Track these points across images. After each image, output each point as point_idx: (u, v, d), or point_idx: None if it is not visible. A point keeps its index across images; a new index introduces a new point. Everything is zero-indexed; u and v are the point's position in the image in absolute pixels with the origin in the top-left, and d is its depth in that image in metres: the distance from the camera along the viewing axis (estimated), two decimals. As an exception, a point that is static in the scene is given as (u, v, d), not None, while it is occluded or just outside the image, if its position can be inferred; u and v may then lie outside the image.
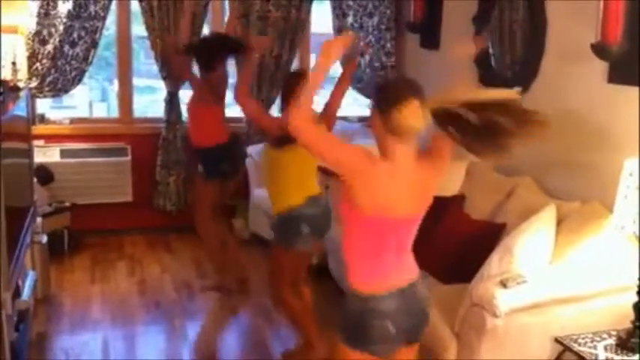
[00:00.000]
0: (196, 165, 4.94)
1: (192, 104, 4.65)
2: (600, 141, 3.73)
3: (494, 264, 3.32)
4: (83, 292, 4.69)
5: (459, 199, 4.30)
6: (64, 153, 5.51)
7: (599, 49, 3.55)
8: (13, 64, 5.08)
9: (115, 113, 6.08)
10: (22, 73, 5.17)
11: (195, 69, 4.63)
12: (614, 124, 3.64)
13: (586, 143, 3.84)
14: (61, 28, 5.24)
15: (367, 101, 6.30)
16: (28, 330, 3.74)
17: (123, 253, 5.45)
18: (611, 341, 3.02)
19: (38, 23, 5.19)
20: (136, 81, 6.06)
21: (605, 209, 3.42)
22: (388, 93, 2.36)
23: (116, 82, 5.95)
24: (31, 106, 5.37)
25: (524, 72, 4.37)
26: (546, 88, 4.19)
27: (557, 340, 3.06)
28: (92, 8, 5.29)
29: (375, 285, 2.40)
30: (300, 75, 3.59)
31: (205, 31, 5.71)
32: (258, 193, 5.19)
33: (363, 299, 2.39)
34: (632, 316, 3.00)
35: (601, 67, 3.67)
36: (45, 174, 5.19)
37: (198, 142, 4.64)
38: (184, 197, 5.77)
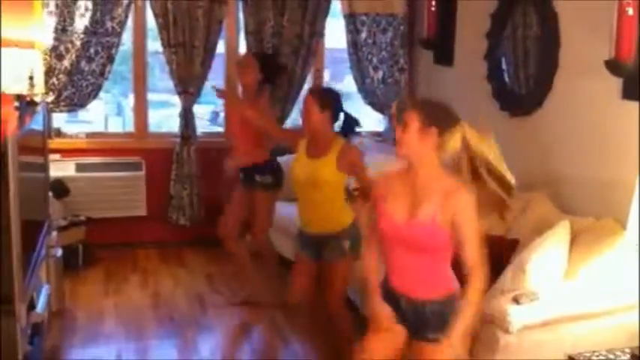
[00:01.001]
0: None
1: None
2: (614, 157, 3.73)
3: (507, 280, 3.32)
4: (97, 306, 4.72)
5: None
6: (79, 167, 5.55)
7: (613, 66, 3.56)
8: (30, 78, 5.13)
9: (130, 127, 6.13)
10: (39, 88, 5.23)
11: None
12: (628, 140, 3.63)
13: (600, 159, 3.84)
14: (78, 43, 5.30)
15: (379, 116, 6.32)
16: (42, 343, 3.76)
17: (136, 266, 5.48)
18: (625, 359, 3.00)
19: (55, 39, 5.25)
20: (151, 96, 6.11)
21: (619, 226, 3.41)
22: (443, 112, 2.63)
23: (131, 97, 6.01)
24: (48, 121, 5.43)
25: (538, 88, 4.38)
26: (560, 104, 4.20)
27: (570, 358, 3.03)
28: (109, 24, 5.35)
29: None
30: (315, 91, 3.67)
31: (220, 46, 5.75)
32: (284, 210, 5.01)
33: None
34: (646, 333, 2.98)
35: (615, 83, 3.67)
36: (60, 188, 5.22)
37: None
38: (198, 211, 5.79)
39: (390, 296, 2.75)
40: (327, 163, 3.57)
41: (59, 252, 4.49)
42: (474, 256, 2.57)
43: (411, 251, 2.64)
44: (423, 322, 2.67)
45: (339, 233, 3.62)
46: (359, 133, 4.48)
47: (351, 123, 3.81)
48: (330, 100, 3.67)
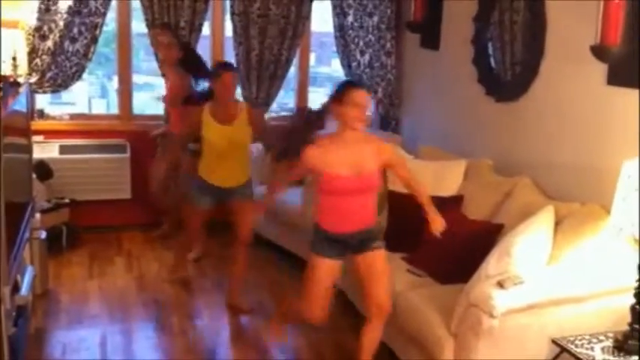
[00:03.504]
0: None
1: None
2: (599, 142, 3.75)
3: (491, 264, 3.33)
4: (81, 288, 4.70)
5: (457, 200, 4.32)
6: (63, 149, 5.51)
7: (599, 51, 3.56)
8: (14, 59, 5.08)
9: (114, 110, 6.08)
10: (22, 69, 5.17)
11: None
12: (613, 125, 3.65)
13: (585, 145, 3.86)
14: (62, 23, 5.23)
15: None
16: (27, 325, 3.75)
17: (121, 249, 5.46)
18: (609, 343, 3.03)
19: (38, 19, 5.18)
20: (136, 78, 6.06)
21: (603, 211, 3.43)
22: None
23: (116, 79, 5.95)
24: (31, 102, 5.38)
25: (524, 73, 4.38)
26: (546, 90, 4.21)
27: (554, 342, 3.07)
28: (92, 4, 5.28)
29: None
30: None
31: (206, 28, 5.71)
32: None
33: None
34: (629, 318, 3.01)
35: (600, 68, 3.68)
36: (44, 170, 5.19)
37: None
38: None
39: (334, 239, 3.40)
40: (240, 126, 4.27)
41: (43, 234, 4.48)
42: (417, 183, 3.53)
43: (358, 196, 3.36)
44: (366, 240, 3.42)
45: (246, 183, 4.42)
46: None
47: None
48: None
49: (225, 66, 4.46)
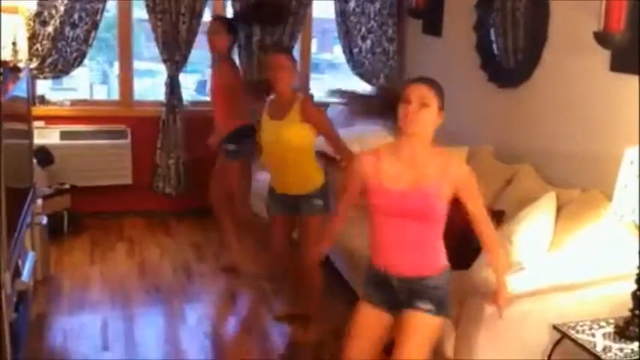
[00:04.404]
0: None
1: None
2: (601, 129, 3.73)
3: (493, 251, 3.32)
4: (83, 274, 4.71)
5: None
6: (64, 135, 5.50)
7: (602, 38, 3.54)
8: (14, 44, 5.06)
9: (115, 96, 6.06)
10: (23, 54, 5.15)
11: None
12: (615, 112, 3.64)
13: (587, 131, 3.84)
14: (62, 9, 5.21)
15: (368, 87, 6.29)
16: (28, 311, 3.76)
17: (122, 235, 5.46)
18: (610, 329, 3.03)
19: (39, 4, 5.16)
20: (137, 64, 6.04)
21: (605, 198, 3.42)
22: (443, 94, 2.70)
23: (117, 65, 5.93)
24: (31, 87, 5.36)
25: (527, 60, 4.36)
26: (548, 77, 4.19)
27: (555, 328, 3.06)
28: (93, -11, 5.26)
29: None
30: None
31: (207, 14, 5.68)
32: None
33: None
34: (630, 304, 3.01)
35: (603, 55, 3.66)
36: (45, 156, 5.18)
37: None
38: (184, 180, 5.77)
39: (380, 279, 2.75)
40: (291, 122, 3.68)
41: (44, 220, 4.46)
42: (492, 234, 2.82)
43: (408, 222, 2.65)
44: (416, 294, 2.70)
45: (313, 193, 3.78)
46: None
47: None
48: (295, 61, 3.80)
49: (274, 47, 4.08)
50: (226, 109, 4.66)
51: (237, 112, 4.67)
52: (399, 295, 2.72)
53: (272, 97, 3.86)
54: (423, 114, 2.61)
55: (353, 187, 2.79)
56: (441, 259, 2.76)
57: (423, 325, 2.69)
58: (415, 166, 2.66)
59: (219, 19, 5.15)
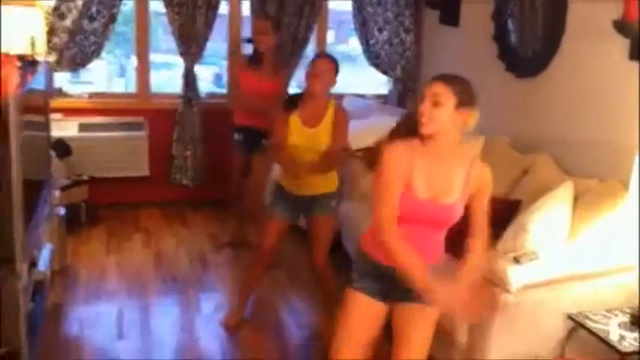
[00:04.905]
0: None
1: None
2: (620, 119, 3.69)
3: (508, 240, 3.32)
4: (99, 264, 4.74)
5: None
6: (82, 127, 5.53)
7: (621, 26, 3.51)
8: (32, 38, 5.09)
9: (132, 88, 6.09)
10: (41, 48, 5.18)
11: None
12: (634, 101, 3.59)
13: (605, 121, 3.80)
14: (80, 2, 5.23)
15: (384, 78, 6.26)
16: (45, 300, 3.79)
17: (139, 226, 5.49)
18: (624, 319, 3.00)
19: (57, -2, 5.20)
20: (155, 57, 6.06)
21: (622, 187, 3.39)
22: (471, 90, 2.50)
23: (134, 58, 5.96)
24: (50, 80, 5.40)
25: (544, 49, 4.32)
26: (567, 66, 4.15)
27: (569, 317, 3.04)
28: (110, -18, 5.29)
29: None
30: None
31: (223, 6, 5.68)
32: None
33: None
34: (646, 293, 2.98)
35: (622, 44, 3.62)
36: (63, 148, 5.22)
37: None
38: (200, 172, 5.79)
39: (381, 272, 2.64)
40: (325, 129, 3.61)
41: (62, 211, 4.51)
42: (484, 227, 2.59)
43: (424, 227, 2.55)
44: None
45: (328, 194, 3.76)
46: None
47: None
48: (338, 67, 3.65)
49: (319, 54, 3.92)
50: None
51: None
52: (399, 286, 2.58)
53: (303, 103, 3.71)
54: (436, 113, 2.44)
55: (400, 180, 2.49)
56: (442, 249, 2.70)
57: (427, 317, 2.64)
58: (440, 174, 2.51)
59: (265, 17, 5.16)
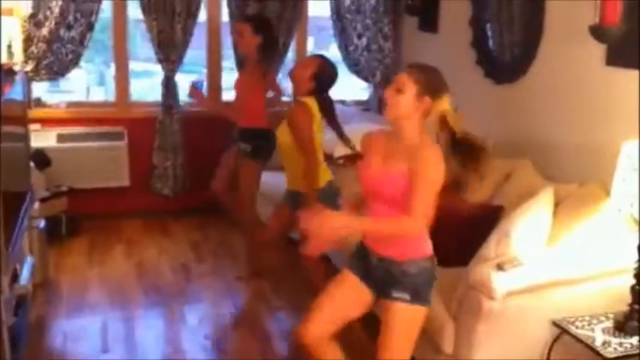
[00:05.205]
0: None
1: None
2: (598, 123, 3.73)
3: (491, 247, 3.33)
4: (81, 276, 4.70)
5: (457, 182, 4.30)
6: (60, 137, 5.48)
7: (598, 31, 3.54)
8: (9, 47, 5.04)
9: (112, 97, 6.05)
10: (18, 57, 5.13)
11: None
12: (612, 106, 3.64)
13: (584, 126, 3.84)
14: (57, 10, 5.20)
15: (364, 84, 6.28)
16: (27, 314, 3.75)
17: (120, 236, 5.45)
18: (609, 324, 3.03)
19: (33, 6, 5.15)
20: (133, 65, 6.02)
21: (603, 192, 3.41)
22: (438, 80, 2.70)
23: (113, 66, 5.92)
24: (27, 90, 5.35)
25: (523, 55, 4.36)
26: (544, 71, 4.18)
27: (554, 323, 3.06)
28: (87, -10, 5.25)
29: None
30: None
31: (202, 14, 5.67)
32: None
33: None
34: (629, 298, 3.01)
35: (599, 49, 3.66)
36: (42, 158, 5.16)
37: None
38: (181, 181, 5.77)
39: (362, 253, 2.83)
40: (282, 130, 3.90)
41: (42, 223, 4.47)
42: (412, 205, 2.57)
43: (384, 205, 2.69)
44: (392, 281, 2.72)
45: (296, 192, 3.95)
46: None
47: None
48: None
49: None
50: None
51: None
52: (376, 274, 2.76)
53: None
54: (398, 99, 2.64)
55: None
56: (420, 247, 2.75)
57: (399, 315, 2.71)
58: (394, 153, 2.69)
59: (241, 19, 5.08)
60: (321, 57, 4.00)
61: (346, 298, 2.84)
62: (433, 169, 2.60)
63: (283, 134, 3.89)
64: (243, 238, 5.00)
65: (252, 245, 4.78)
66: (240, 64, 4.89)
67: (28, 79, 5.23)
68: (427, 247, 2.78)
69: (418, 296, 2.71)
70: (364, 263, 2.81)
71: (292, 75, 3.94)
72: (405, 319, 2.72)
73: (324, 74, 3.86)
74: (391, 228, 2.66)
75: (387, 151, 2.73)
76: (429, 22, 5.54)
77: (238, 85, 4.84)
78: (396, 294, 2.70)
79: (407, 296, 2.69)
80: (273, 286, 4.66)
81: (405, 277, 2.70)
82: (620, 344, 2.89)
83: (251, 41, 4.62)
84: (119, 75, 5.78)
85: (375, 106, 6.20)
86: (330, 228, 2.55)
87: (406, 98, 2.64)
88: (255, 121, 4.64)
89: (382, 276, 2.75)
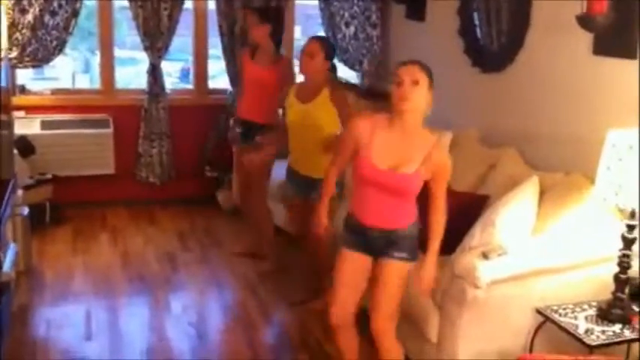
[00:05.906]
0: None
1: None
2: (584, 113, 3.73)
3: (476, 236, 3.33)
4: (65, 264, 4.67)
5: (442, 171, 4.29)
6: (44, 124, 5.44)
7: (585, 21, 3.53)
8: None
9: (97, 85, 6.01)
10: (2, 43, 5.08)
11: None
12: (598, 95, 3.63)
13: (570, 115, 3.84)
14: (42, -4, 5.14)
15: (352, 73, 6.26)
16: (10, 302, 3.73)
17: (105, 225, 5.42)
18: (592, 312, 3.04)
19: (18, -8, 5.10)
20: (119, 52, 5.98)
21: (587, 181, 3.42)
22: (431, 74, 2.87)
23: (99, 53, 5.87)
24: (12, 77, 5.30)
25: (510, 44, 4.35)
26: (531, 60, 4.18)
27: (538, 311, 3.07)
28: (72, -24, 5.19)
29: None
30: None
31: (188, 2, 5.63)
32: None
33: None
34: (612, 287, 3.02)
35: (586, 38, 3.65)
36: (26, 146, 5.12)
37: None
38: (167, 169, 5.74)
39: (358, 229, 2.99)
40: (319, 105, 3.87)
41: (26, 211, 4.43)
42: (444, 210, 2.96)
43: (387, 194, 2.89)
44: (391, 244, 2.95)
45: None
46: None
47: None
48: (329, 48, 4.01)
49: (312, 36, 4.20)
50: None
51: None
52: (375, 243, 2.97)
53: (301, 80, 4.10)
54: (416, 91, 2.79)
55: (347, 151, 3.01)
56: (413, 214, 2.99)
57: (398, 272, 2.96)
58: (402, 147, 2.85)
59: (249, 11, 4.88)
60: (316, 39, 4.05)
61: (354, 275, 3.04)
62: (450, 171, 2.94)
63: (316, 112, 3.85)
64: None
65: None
66: (254, 53, 4.73)
67: (12, 66, 5.18)
68: (416, 212, 3.00)
69: (414, 254, 2.99)
70: (361, 236, 2.99)
71: (305, 70, 3.94)
72: (402, 274, 2.98)
73: (330, 53, 3.97)
74: (442, 234, 2.98)
75: (393, 143, 2.86)
76: (417, 10, 5.52)
77: (256, 80, 4.62)
78: (396, 253, 2.94)
79: (406, 255, 2.96)
80: (260, 275, 4.64)
81: (404, 240, 2.96)
82: (603, 332, 2.90)
83: (260, 31, 4.56)
84: (105, 62, 5.74)
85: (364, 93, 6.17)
86: (430, 280, 2.97)
87: (423, 89, 2.81)
88: (272, 116, 4.55)
89: (382, 243, 2.96)
